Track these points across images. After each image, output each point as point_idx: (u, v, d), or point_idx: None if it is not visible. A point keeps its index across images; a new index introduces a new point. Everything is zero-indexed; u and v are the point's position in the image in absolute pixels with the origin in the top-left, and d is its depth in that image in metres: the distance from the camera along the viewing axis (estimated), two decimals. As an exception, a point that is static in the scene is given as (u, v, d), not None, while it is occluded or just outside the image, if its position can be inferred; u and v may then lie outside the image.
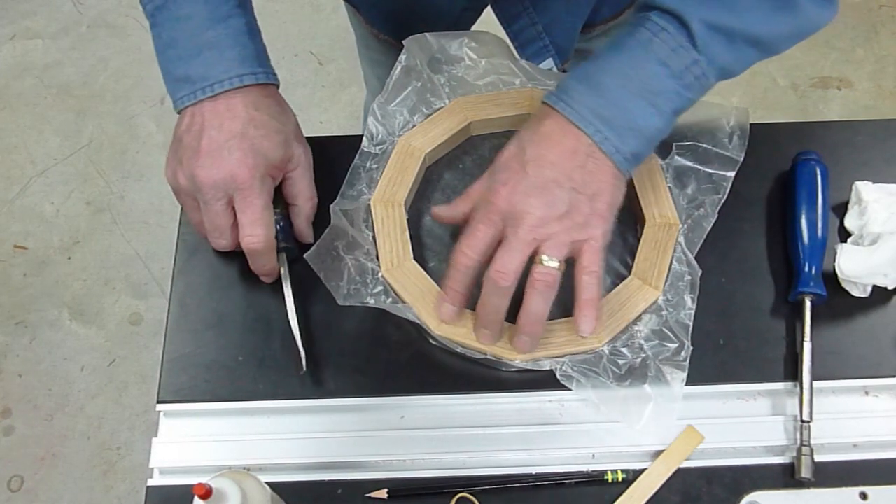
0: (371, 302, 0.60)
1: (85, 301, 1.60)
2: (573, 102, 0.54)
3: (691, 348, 0.59)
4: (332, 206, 0.62)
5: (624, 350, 0.59)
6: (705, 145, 0.66)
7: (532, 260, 0.54)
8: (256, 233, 0.58)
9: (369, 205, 0.64)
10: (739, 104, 0.69)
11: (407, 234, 0.63)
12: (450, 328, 0.59)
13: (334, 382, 0.61)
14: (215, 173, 0.57)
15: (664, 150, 0.67)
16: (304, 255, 0.59)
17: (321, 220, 0.64)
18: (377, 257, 0.62)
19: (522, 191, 0.54)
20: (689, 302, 0.61)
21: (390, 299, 0.61)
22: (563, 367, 0.59)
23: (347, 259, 0.61)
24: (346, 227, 0.61)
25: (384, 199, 0.64)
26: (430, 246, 0.65)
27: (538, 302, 0.55)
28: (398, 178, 0.65)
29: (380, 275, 0.61)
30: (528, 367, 0.59)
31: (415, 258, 0.62)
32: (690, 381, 0.59)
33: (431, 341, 0.61)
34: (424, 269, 0.62)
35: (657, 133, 0.56)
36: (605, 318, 0.60)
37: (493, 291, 0.55)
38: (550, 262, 0.54)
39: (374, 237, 0.63)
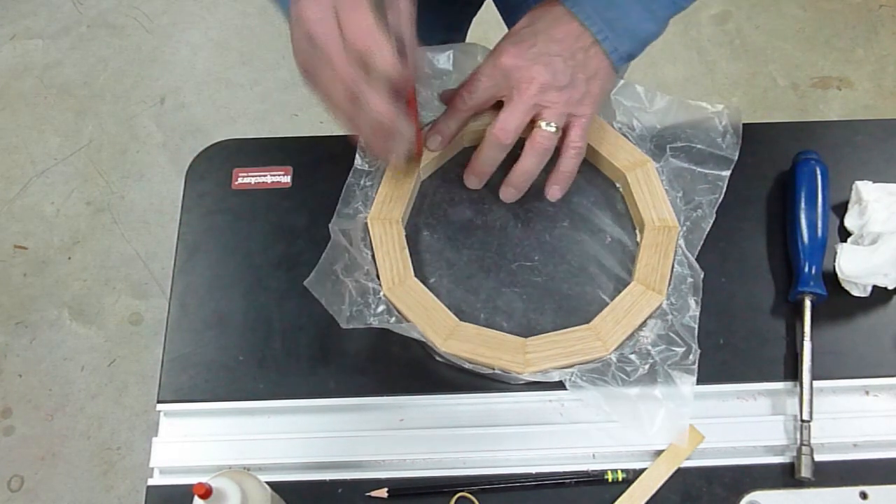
0: (374, 323, 0.60)
1: (85, 301, 1.60)
2: (580, 1, 0.58)
3: (699, 351, 0.59)
4: (330, 224, 0.62)
5: (632, 357, 0.59)
6: (699, 146, 0.66)
7: (531, 125, 0.59)
8: (361, 19, 0.48)
9: (366, 223, 0.64)
10: (739, 104, 0.70)
11: (406, 251, 0.63)
12: (456, 344, 0.59)
13: (334, 382, 0.61)
14: (318, 4, 0.50)
15: (659, 152, 0.67)
16: (304, 283, 0.59)
17: (319, 238, 0.63)
18: (377, 276, 0.62)
19: (530, 57, 0.58)
20: (693, 304, 0.61)
21: (394, 318, 0.60)
22: (573, 378, 0.58)
23: (347, 282, 0.61)
24: (346, 246, 0.61)
25: (381, 216, 0.63)
26: (430, 262, 0.65)
27: (532, 161, 0.60)
28: (394, 194, 0.64)
29: (381, 294, 0.61)
30: (538, 380, 0.59)
31: (415, 275, 0.62)
32: (690, 381, 0.59)
33: (437, 358, 0.60)
34: (426, 285, 0.62)
35: (650, 37, 0.60)
36: (611, 325, 0.60)
37: (492, 146, 0.60)
38: (549, 128, 0.58)
39: (373, 256, 0.63)
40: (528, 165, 0.60)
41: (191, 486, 0.45)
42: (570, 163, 0.61)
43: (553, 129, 0.59)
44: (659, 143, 0.67)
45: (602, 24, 0.58)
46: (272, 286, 0.65)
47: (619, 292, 0.61)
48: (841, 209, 0.66)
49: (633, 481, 0.57)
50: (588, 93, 0.59)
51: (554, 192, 0.63)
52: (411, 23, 0.55)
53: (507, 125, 0.58)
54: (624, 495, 0.57)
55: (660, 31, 0.61)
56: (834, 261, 0.62)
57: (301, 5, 0.50)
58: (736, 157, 0.65)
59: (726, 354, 0.61)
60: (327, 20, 0.49)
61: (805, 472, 0.56)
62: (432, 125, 0.64)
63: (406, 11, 0.54)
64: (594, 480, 0.57)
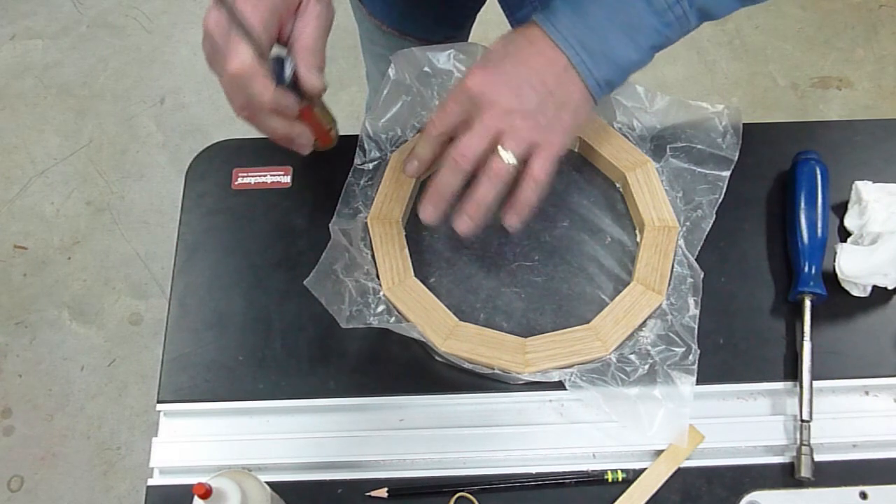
0: (374, 322, 0.60)
1: (85, 301, 1.60)
2: (558, 24, 0.56)
3: (699, 352, 0.59)
4: (330, 224, 0.62)
5: (632, 357, 0.59)
6: (699, 146, 0.66)
7: (491, 150, 0.56)
8: (237, 52, 0.52)
9: (366, 223, 0.64)
10: (739, 104, 0.70)
11: (406, 251, 0.63)
12: (456, 344, 0.59)
13: (334, 382, 0.61)
14: (216, 14, 0.54)
15: (659, 153, 0.67)
16: (304, 282, 0.59)
17: (319, 238, 0.63)
18: (377, 276, 0.62)
19: (496, 81, 0.56)
20: (693, 304, 0.61)
21: (393, 318, 0.60)
22: (573, 378, 0.58)
23: (347, 281, 0.61)
24: (346, 246, 0.61)
25: (381, 216, 0.64)
26: (430, 261, 0.65)
27: (486, 189, 0.57)
28: (393, 194, 0.64)
29: (381, 294, 0.61)
30: (537, 380, 0.59)
31: (415, 275, 0.62)
32: (690, 381, 0.59)
33: (437, 358, 0.60)
34: (426, 284, 0.62)
35: (631, 66, 0.58)
36: (611, 325, 0.60)
37: (450, 171, 0.57)
38: (506, 155, 0.56)
39: (373, 256, 0.63)
40: (481, 193, 0.56)
41: (191, 486, 0.45)
42: (527, 193, 0.57)
43: (511, 159, 0.56)
44: (659, 144, 0.67)
45: (578, 47, 0.55)
46: (272, 286, 0.65)
47: (619, 292, 0.61)
48: (841, 209, 0.66)
49: (633, 481, 0.57)
50: (557, 120, 0.56)
51: (510, 219, 0.58)
52: (320, 31, 0.56)
53: (466, 150, 0.56)
54: (624, 495, 0.57)
55: (643, 60, 0.58)
56: (834, 261, 0.62)
57: (206, 15, 0.54)
58: (736, 158, 0.65)
59: (726, 354, 0.61)
60: (220, 33, 0.53)
61: (805, 472, 0.56)
62: (410, 152, 0.62)
63: (315, 19, 0.56)
64: (594, 480, 0.57)
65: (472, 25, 0.96)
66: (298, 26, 0.56)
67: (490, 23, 0.96)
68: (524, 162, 0.57)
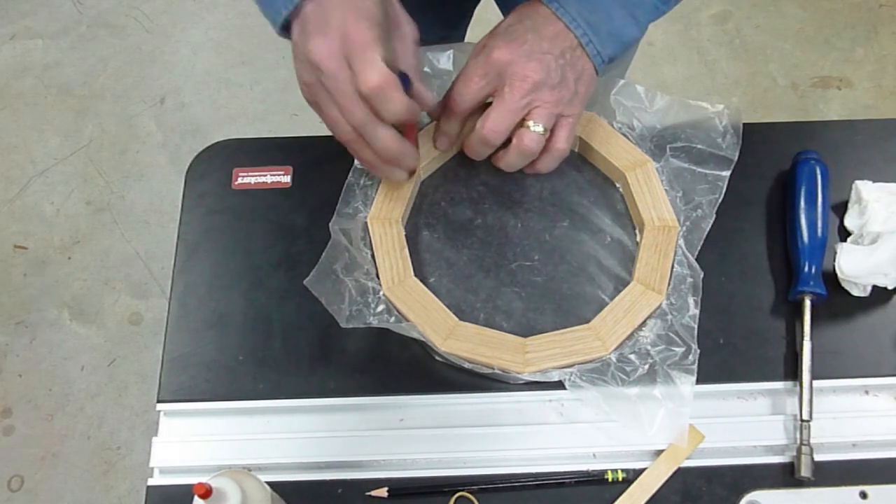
0: (374, 322, 0.60)
1: (85, 301, 1.60)
2: (566, 4, 0.58)
3: (698, 351, 0.59)
4: (331, 224, 0.62)
5: (632, 357, 0.59)
6: (699, 146, 0.66)
7: (521, 123, 0.58)
8: (374, 65, 0.49)
9: (366, 223, 0.64)
10: (739, 104, 0.70)
11: (406, 251, 0.63)
12: (456, 343, 0.59)
13: (334, 382, 0.61)
14: (327, 43, 0.51)
15: (659, 152, 0.67)
16: (304, 282, 0.59)
17: (319, 238, 0.63)
18: (377, 276, 0.62)
19: (522, 54, 0.57)
20: (693, 305, 0.61)
21: (393, 318, 0.60)
22: (572, 378, 0.58)
23: (347, 281, 0.61)
24: (346, 246, 0.61)
25: (381, 216, 0.64)
26: (430, 261, 0.65)
27: (517, 160, 0.61)
28: (393, 194, 0.64)
29: (381, 293, 0.61)
30: (537, 380, 0.59)
31: (415, 275, 0.62)
32: (690, 381, 0.59)
33: (437, 358, 0.60)
34: (426, 284, 0.62)
35: (632, 41, 0.60)
36: (611, 325, 0.60)
37: (481, 143, 0.60)
38: (537, 128, 0.58)
39: (372, 255, 0.63)
40: (512, 161, 0.61)
41: (191, 486, 0.45)
42: (550, 163, 0.62)
43: (541, 131, 0.58)
44: (659, 143, 0.67)
45: (586, 27, 0.58)
46: (272, 286, 0.65)
47: (619, 292, 0.61)
48: (841, 209, 0.66)
49: (633, 481, 0.57)
50: (577, 93, 0.59)
51: (530, 172, 0.64)
52: (416, 50, 0.56)
53: (497, 125, 0.58)
54: (624, 495, 0.57)
55: (641, 35, 0.61)
56: (834, 261, 0.62)
57: (310, 40, 0.51)
58: (736, 157, 0.65)
59: (726, 354, 0.61)
60: (336, 58, 0.50)
61: (805, 471, 0.56)
62: (436, 128, 0.64)
63: (411, 38, 0.56)
64: (594, 480, 0.57)
65: (467, 25, 0.96)
66: (399, 47, 0.56)
67: (489, 22, 0.95)
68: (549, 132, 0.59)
